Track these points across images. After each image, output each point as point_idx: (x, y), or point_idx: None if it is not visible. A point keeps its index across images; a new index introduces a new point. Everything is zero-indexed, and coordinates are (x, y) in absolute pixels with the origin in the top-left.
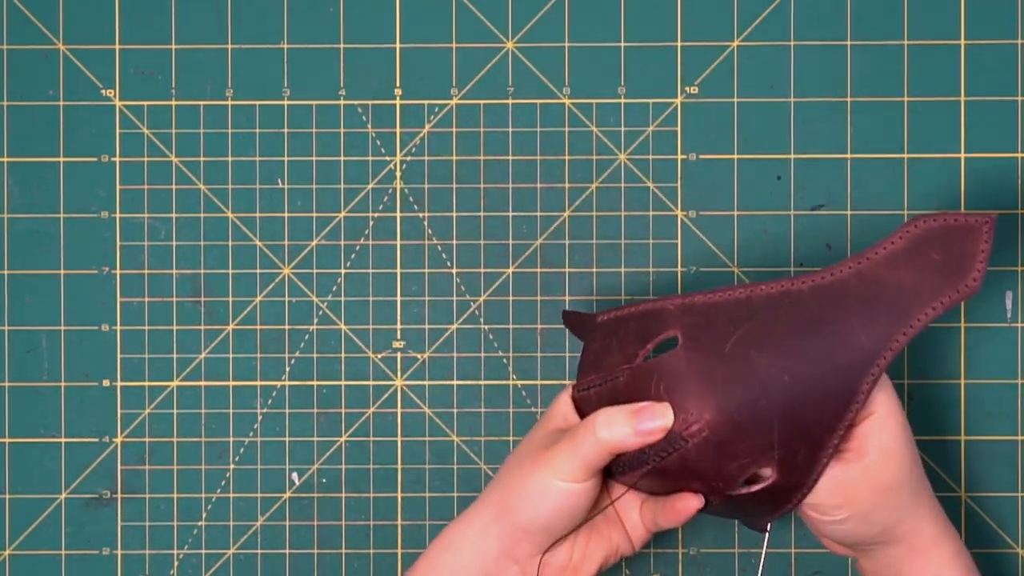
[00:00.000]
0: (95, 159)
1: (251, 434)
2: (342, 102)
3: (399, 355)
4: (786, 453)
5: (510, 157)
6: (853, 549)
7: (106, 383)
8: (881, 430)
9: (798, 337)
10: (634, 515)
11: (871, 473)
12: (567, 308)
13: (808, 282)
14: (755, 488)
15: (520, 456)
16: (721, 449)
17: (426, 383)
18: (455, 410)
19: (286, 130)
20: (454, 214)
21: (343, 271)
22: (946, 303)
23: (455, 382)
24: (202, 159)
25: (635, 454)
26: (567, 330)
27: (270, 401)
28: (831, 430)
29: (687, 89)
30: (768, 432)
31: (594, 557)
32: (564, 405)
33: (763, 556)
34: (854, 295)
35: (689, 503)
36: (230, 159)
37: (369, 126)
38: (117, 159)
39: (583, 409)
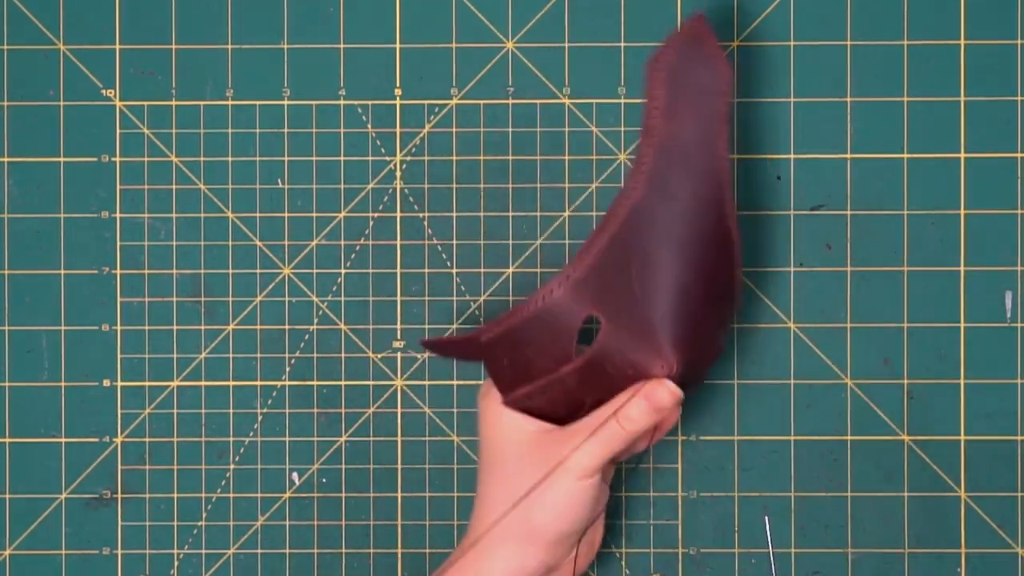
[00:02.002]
0: (95, 159)
1: (251, 434)
2: (342, 102)
3: (399, 355)
4: (723, 322)
5: (510, 157)
6: None
7: (106, 383)
8: None
9: (671, 236)
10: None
11: None
12: (426, 338)
13: (638, 184)
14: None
15: (515, 475)
16: (693, 367)
17: (426, 383)
18: (455, 410)
19: (286, 130)
20: (454, 214)
21: (343, 271)
22: (724, 111)
23: (455, 382)
24: (202, 159)
25: None
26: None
27: (270, 401)
28: (733, 278)
29: None
30: (710, 324)
31: (597, 522)
32: (514, 419)
33: (771, 556)
34: (674, 168)
35: (668, 418)
36: (230, 159)
37: (369, 126)
38: (117, 159)
39: (524, 409)
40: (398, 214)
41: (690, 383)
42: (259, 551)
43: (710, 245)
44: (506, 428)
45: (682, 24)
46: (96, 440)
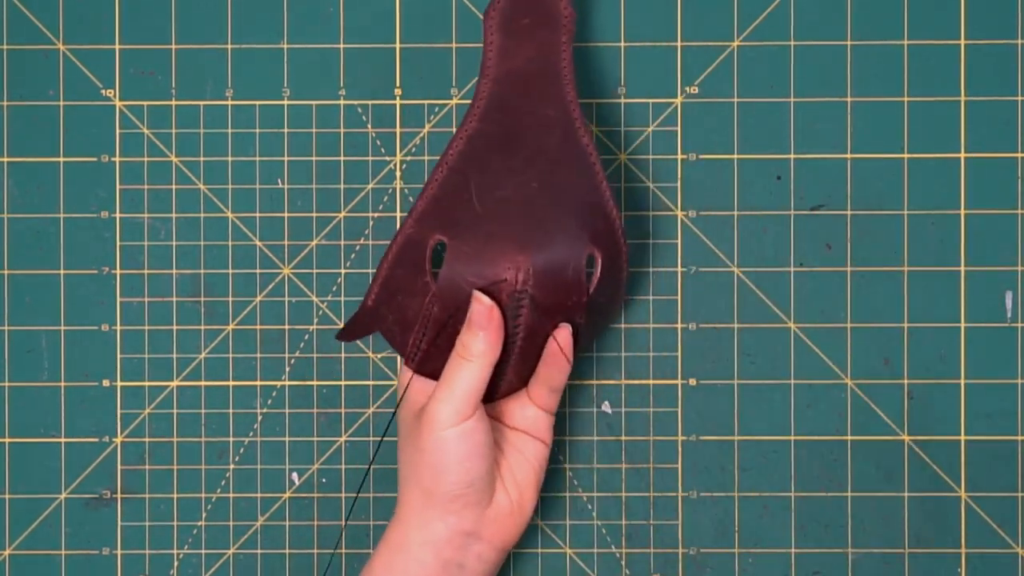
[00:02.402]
0: (95, 159)
1: (251, 434)
2: (342, 102)
3: (399, 355)
4: (591, 231)
5: None
6: None
7: (106, 383)
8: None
9: (511, 155)
10: (528, 412)
11: None
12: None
13: (472, 119)
14: (597, 274)
15: (407, 442)
16: (551, 270)
17: None
18: None
19: (286, 130)
20: None
21: (343, 271)
22: (567, 40)
23: None
24: (202, 159)
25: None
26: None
27: (270, 401)
28: (596, 188)
29: (687, 89)
30: (566, 229)
31: (527, 482)
32: (416, 383)
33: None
34: (511, 95)
35: (561, 334)
36: (230, 159)
37: (369, 126)
38: (117, 159)
39: (431, 368)
40: (398, 214)
41: (578, 320)
42: (259, 551)
43: (560, 159)
44: (410, 398)
45: None
46: (96, 440)
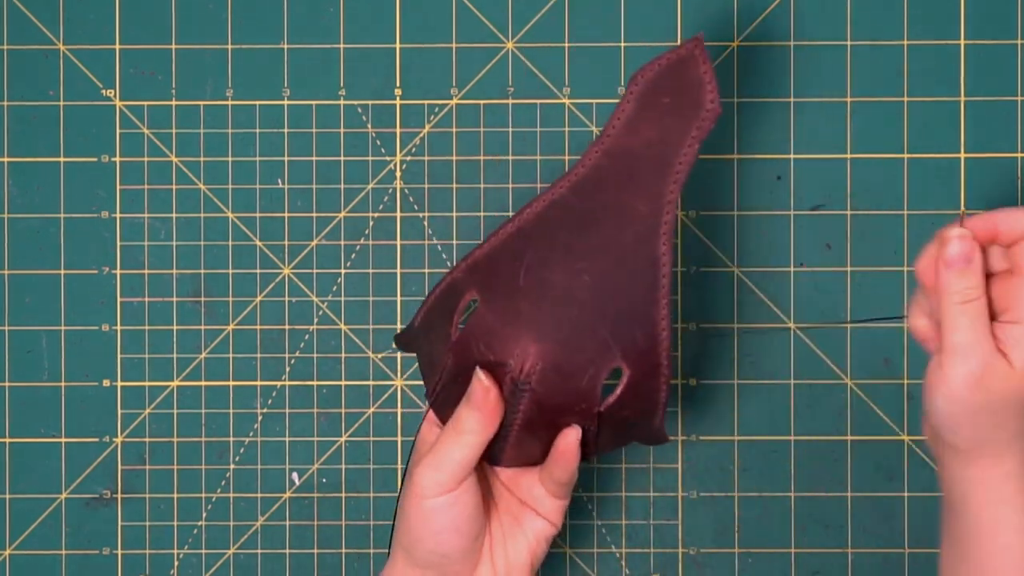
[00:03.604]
0: (95, 159)
1: (251, 434)
2: (342, 102)
3: (399, 355)
4: (625, 344)
5: (510, 157)
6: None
7: (106, 383)
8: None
9: (579, 238)
10: (536, 491)
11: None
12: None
13: (565, 184)
14: (619, 391)
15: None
16: (562, 371)
17: None
18: None
19: (286, 130)
20: (454, 214)
21: (343, 271)
22: (697, 136)
23: None
24: (202, 159)
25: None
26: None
27: (270, 401)
28: (654, 302)
29: None
30: (595, 334)
31: (519, 557)
32: (427, 433)
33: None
34: (612, 175)
35: (568, 437)
36: (230, 159)
37: (369, 126)
38: (117, 159)
39: (444, 415)
40: (398, 214)
41: (589, 426)
42: (259, 551)
43: (627, 258)
44: (420, 444)
45: (681, 42)
46: (96, 440)
